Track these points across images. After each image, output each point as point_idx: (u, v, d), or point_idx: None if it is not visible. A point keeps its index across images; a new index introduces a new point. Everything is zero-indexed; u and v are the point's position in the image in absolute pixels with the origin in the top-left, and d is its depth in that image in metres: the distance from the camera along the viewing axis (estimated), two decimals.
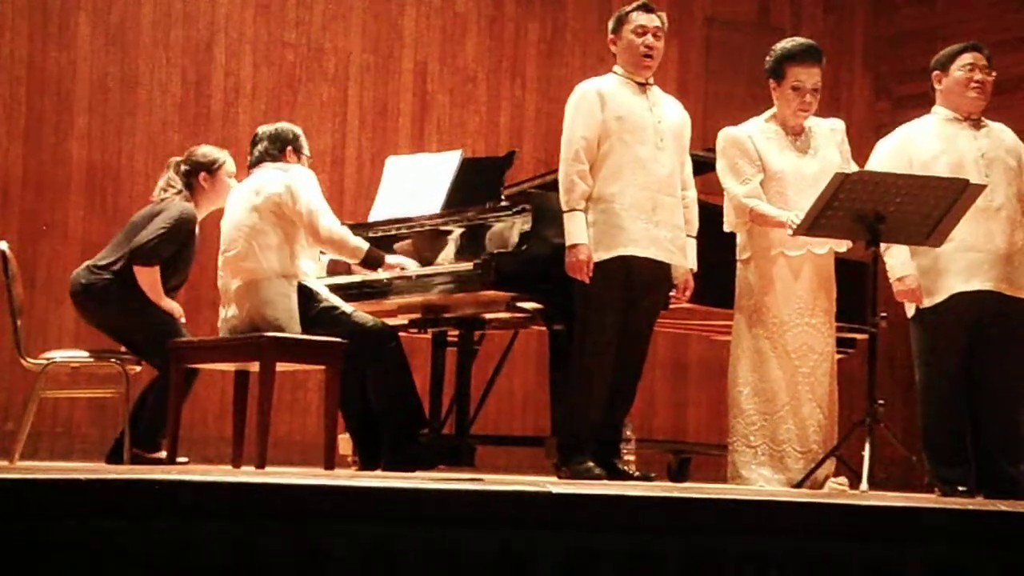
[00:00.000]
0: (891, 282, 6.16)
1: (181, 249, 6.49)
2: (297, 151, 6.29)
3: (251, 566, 3.63)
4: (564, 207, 5.93)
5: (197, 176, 6.64)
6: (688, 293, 6.14)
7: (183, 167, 6.66)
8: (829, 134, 6.22)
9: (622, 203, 5.91)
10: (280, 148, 6.26)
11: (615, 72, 6.12)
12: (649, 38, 6.05)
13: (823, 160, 6.10)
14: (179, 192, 6.59)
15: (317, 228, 6.05)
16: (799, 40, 6.26)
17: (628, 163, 5.94)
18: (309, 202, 6.05)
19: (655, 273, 6.01)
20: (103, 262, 6.47)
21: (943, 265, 6.07)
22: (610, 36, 6.14)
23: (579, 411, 5.94)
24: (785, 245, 6.03)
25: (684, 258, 6.07)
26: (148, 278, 6.40)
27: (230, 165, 6.71)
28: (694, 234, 6.15)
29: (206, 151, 6.73)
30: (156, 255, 6.41)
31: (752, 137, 6.12)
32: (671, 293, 6.14)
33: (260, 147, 6.28)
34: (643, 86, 6.10)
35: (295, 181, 6.07)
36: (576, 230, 5.89)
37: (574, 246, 5.88)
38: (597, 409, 5.94)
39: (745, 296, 6.13)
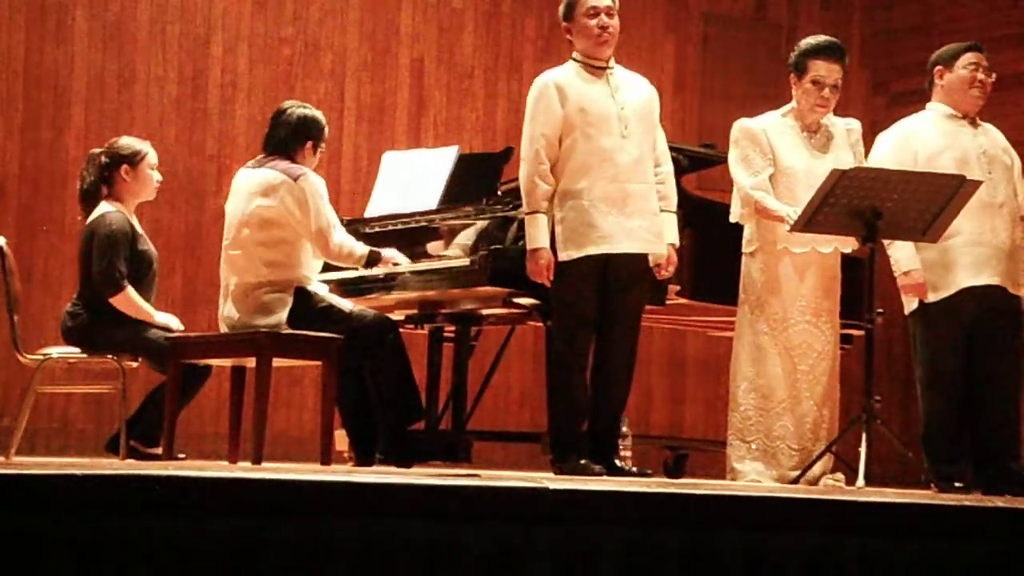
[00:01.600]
0: (896, 276, 6.15)
1: (132, 257, 6.42)
2: (316, 146, 6.20)
3: (248, 562, 3.63)
4: (526, 208, 5.85)
5: (118, 169, 6.52)
6: (672, 268, 6.03)
7: (103, 159, 6.55)
8: (844, 133, 6.21)
9: (591, 198, 5.83)
10: (301, 142, 6.14)
11: (574, 59, 6.01)
12: (603, 18, 5.93)
13: (835, 160, 6.06)
14: (95, 195, 6.49)
15: (327, 245, 6.02)
16: (824, 36, 6.25)
17: (594, 156, 5.84)
18: (319, 218, 5.98)
19: (634, 266, 5.91)
20: (79, 302, 6.43)
21: (951, 259, 6.07)
22: (563, 25, 6.01)
23: (567, 408, 5.91)
24: (790, 241, 6.02)
25: (661, 244, 5.95)
26: (125, 302, 6.36)
27: (152, 157, 6.61)
28: (672, 209, 6.03)
29: (128, 143, 6.61)
30: (117, 279, 6.34)
31: (767, 131, 6.11)
32: (655, 267, 6.02)
33: (281, 133, 6.14)
34: (603, 70, 5.99)
35: (306, 193, 5.98)
36: (538, 234, 5.80)
37: (535, 250, 5.80)
38: (583, 404, 5.91)
39: (748, 290, 6.12)
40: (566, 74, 5.97)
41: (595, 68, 5.98)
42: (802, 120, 6.15)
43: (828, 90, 6.10)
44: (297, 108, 6.22)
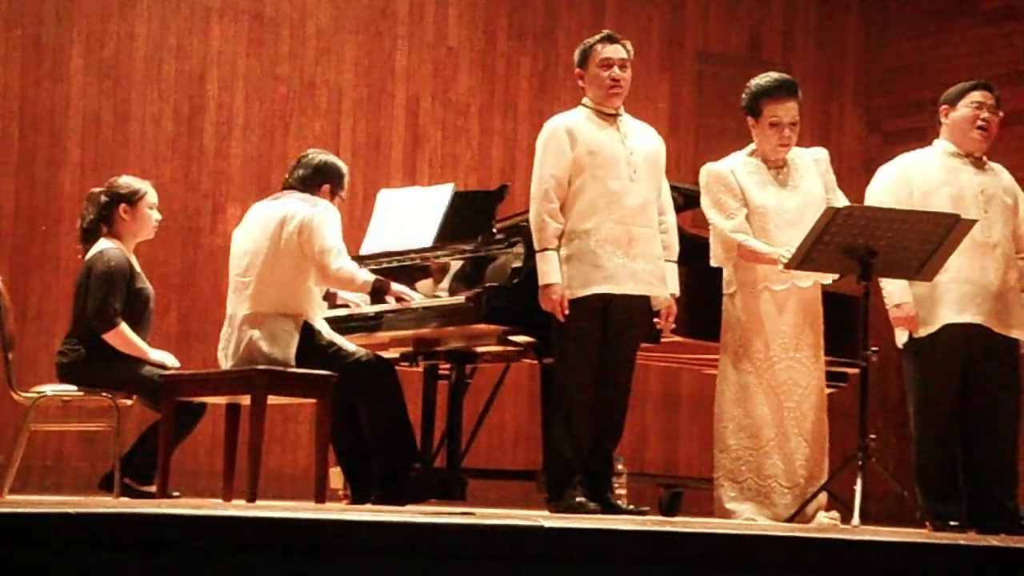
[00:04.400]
0: (888, 308, 6.16)
1: (129, 295, 6.43)
2: (334, 191, 6.24)
3: None
4: (536, 246, 5.97)
5: (117, 207, 6.55)
6: (671, 319, 6.13)
7: (103, 198, 6.58)
8: (812, 164, 6.22)
9: (597, 239, 5.94)
10: (318, 183, 6.20)
11: (584, 105, 6.14)
12: (615, 70, 6.08)
13: (805, 193, 6.11)
14: (95, 233, 6.52)
15: (326, 268, 6.02)
16: (773, 75, 6.25)
17: (601, 198, 5.97)
18: (324, 241, 6.00)
19: (634, 308, 6.02)
20: (72, 340, 6.44)
21: (938, 295, 6.08)
22: (576, 70, 6.16)
23: (564, 445, 5.94)
24: (770, 279, 6.03)
25: (664, 287, 6.07)
26: (119, 339, 6.36)
27: (151, 196, 6.64)
28: (675, 258, 6.16)
29: (127, 181, 6.64)
30: (111, 315, 6.35)
31: (734, 172, 6.13)
32: (655, 320, 6.13)
33: (301, 173, 6.22)
34: (613, 117, 6.11)
35: (316, 218, 6.02)
36: (549, 269, 5.92)
37: (547, 286, 5.91)
38: (581, 442, 5.93)
39: (730, 330, 6.13)
40: (576, 118, 6.09)
41: (605, 115, 6.09)
42: (766, 159, 6.16)
43: (787, 129, 6.11)
44: (319, 154, 6.32)
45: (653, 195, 6.11)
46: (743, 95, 6.19)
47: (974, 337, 6.07)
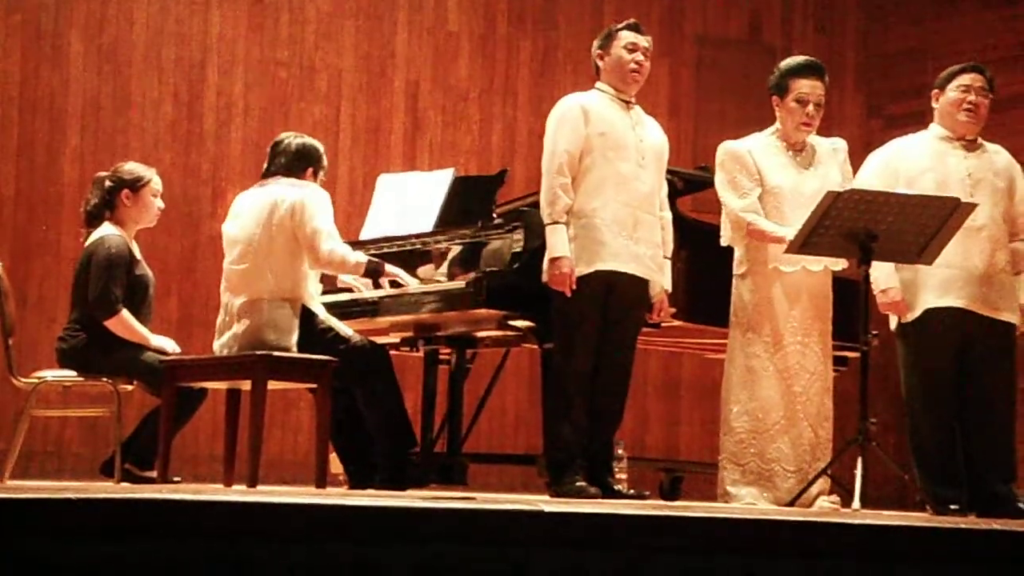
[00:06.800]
0: (875, 294, 6.16)
1: (129, 281, 6.44)
2: (316, 172, 6.23)
3: None
4: (546, 220, 5.98)
5: (120, 193, 6.55)
6: (663, 314, 6.17)
7: (107, 183, 6.58)
8: (831, 153, 6.23)
9: (603, 218, 5.95)
10: (302, 167, 6.18)
11: (599, 88, 6.15)
12: (639, 55, 6.11)
13: (823, 177, 6.11)
14: (99, 217, 6.52)
15: (317, 251, 6.01)
16: (802, 56, 6.32)
17: (610, 179, 5.98)
18: (314, 223, 5.99)
19: (636, 290, 6.04)
20: (73, 326, 6.44)
21: (920, 280, 6.08)
22: (597, 51, 6.17)
23: (564, 430, 5.95)
24: (780, 261, 6.03)
25: (661, 276, 6.10)
26: (120, 326, 6.37)
27: (156, 184, 6.64)
28: (669, 255, 6.19)
29: (132, 168, 6.64)
30: (112, 302, 6.36)
31: (752, 151, 6.13)
32: (647, 314, 6.15)
33: (281, 160, 6.17)
34: (627, 104, 6.13)
35: (308, 200, 6.01)
36: (558, 242, 5.92)
37: (556, 259, 5.91)
38: (581, 427, 5.94)
39: (740, 312, 6.13)
40: (591, 99, 6.12)
41: (620, 100, 6.11)
42: (787, 140, 6.17)
43: (812, 107, 6.12)
44: (295, 138, 6.27)
45: (658, 186, 6.15)
46: (771, 76, 6.20)
47: (963, 322, 6.05)
